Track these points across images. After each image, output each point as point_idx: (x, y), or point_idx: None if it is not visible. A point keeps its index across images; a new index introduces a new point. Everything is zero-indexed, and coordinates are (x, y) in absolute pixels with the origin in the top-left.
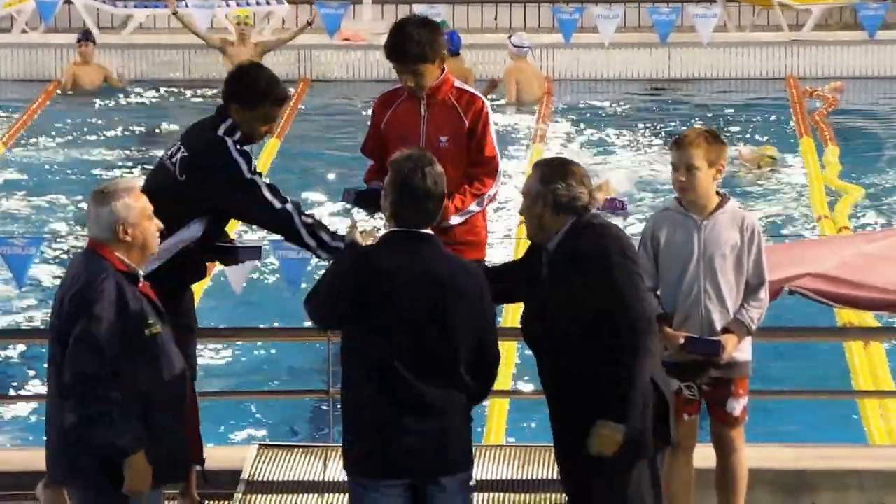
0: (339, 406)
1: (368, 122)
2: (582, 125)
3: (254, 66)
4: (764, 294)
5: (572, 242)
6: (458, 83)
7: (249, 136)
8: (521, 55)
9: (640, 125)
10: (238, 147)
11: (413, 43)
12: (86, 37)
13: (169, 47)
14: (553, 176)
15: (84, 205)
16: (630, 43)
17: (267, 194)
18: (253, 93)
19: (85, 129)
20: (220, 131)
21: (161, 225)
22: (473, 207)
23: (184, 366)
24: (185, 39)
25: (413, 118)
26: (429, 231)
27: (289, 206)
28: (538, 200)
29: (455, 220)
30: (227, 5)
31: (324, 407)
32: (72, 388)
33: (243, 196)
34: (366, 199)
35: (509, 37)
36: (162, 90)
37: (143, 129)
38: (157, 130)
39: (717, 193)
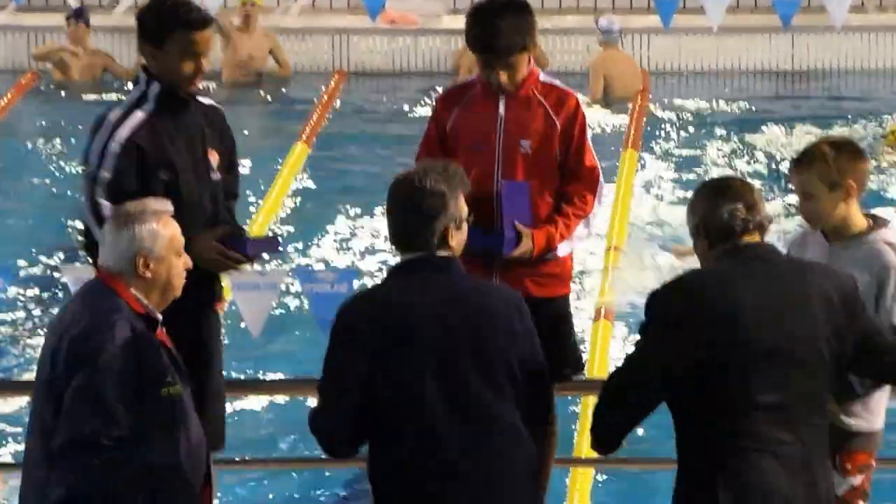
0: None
1: (425, 125)
2: (686, 128)
3: None
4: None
5: None
6: (544, 76)
7: (173, 86)
8: (612, 42)
9: (759, 128)
10: (119, 138)
11: (507, 31)
12: (77, 14)
13: None
14: (699, 201)
15: (70, 229)
16: (745, 27)
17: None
18: (155, 22)
19: (73, 133)
20: (114, 112)
21: (191, 263)
22: (581, 232)
23: (203, 435)
24: None
25: (488, 119)
26: (444, 254)
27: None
28: (697, 237)
29: (564, 249)
30: None
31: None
32: (64, 453)
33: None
34: None
35: (596, 20)
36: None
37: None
38: None
39: (869, 217)
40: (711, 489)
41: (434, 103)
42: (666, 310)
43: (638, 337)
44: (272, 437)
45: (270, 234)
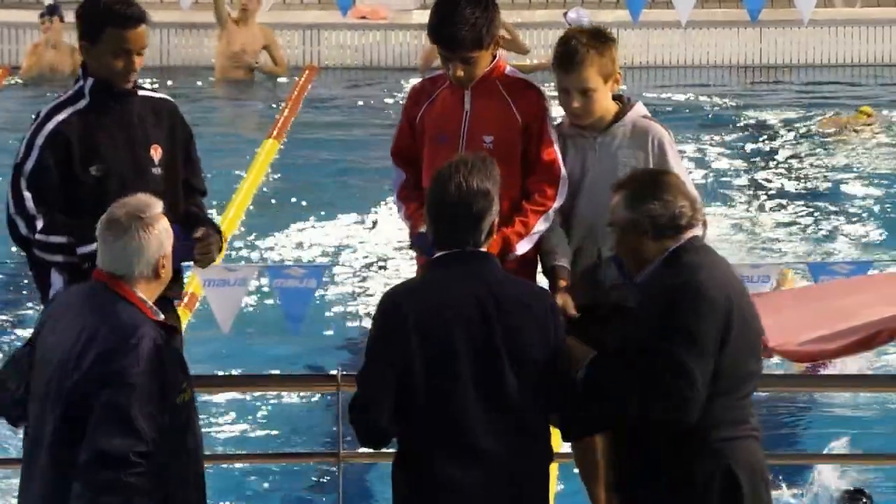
0: (349, 472)
1: (398, 119)
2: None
3: None
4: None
5: (666, 272)
6: (510, 69)
7: (108, 81)
8: None
9: (728, 122)
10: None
11: (468, 26)
12: (51, 11)
13: (158, 25)
14: (641, 194)
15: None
16: (713, 22)
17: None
18: (90, 18)
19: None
20: (48, 106)
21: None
22: (540, 227)
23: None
24: (164, 16)
25: (454, 113)
26: (480, 249)
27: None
28: (632, 229)
29: (523, 247)
30: None
31: (332, 469)
32: (88, 468)
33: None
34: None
35: (565, 13)
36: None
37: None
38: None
39: (616, 99)
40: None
41: (407, 95)
42: (709, 298)
43: None
44: (245, 433)
45: (196, 236)
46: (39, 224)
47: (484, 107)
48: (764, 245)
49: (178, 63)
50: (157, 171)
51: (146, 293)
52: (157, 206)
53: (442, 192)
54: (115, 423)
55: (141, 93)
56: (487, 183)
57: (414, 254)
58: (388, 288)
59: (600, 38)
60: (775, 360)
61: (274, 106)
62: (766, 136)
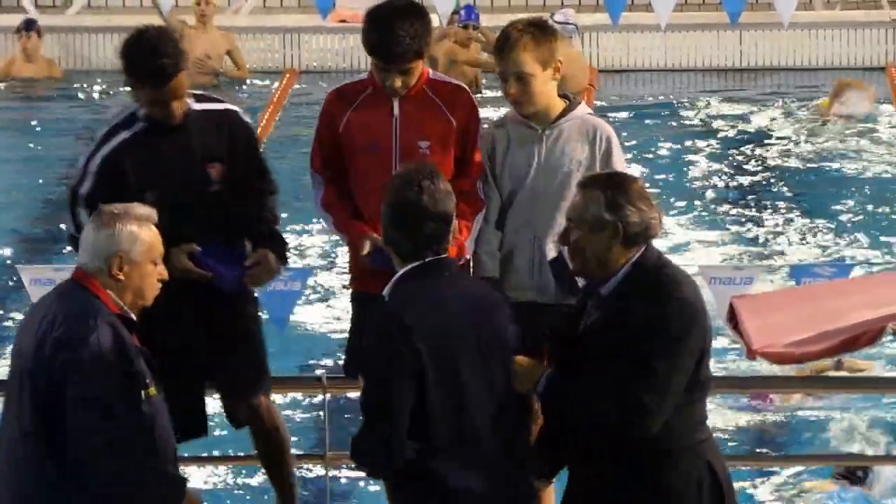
0: (337, 474)
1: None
2: (632, 126)
3: (137, 36)
4: None
5: (641, 283)
6: (433, 73)
7: (155, 119)
8: (567, 35)
9: (706, 126)
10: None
11: (406, 38)
12: (28, 26)
13: (124, 31)
14: (619, 198)
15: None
16: (692, 24)
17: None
18: (125, 68)
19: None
20: (103, 129)
21: (167, 275)
22: (476, 226)
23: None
24: (144, 20)
25: (382, 120)
26: (446, 256)
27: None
28: (603, 232)
29: (470, 250)
30: None
31: (319, 472)
32: (84, 464)
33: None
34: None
35: (552, 14)
36: (115, 84)
37: (90, 132)
38: None
39: (563, 97)
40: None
41: (323, 103)
42: (696, 313)
43: None
44: (228, 434)
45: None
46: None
47: (414, 112)
48: (745, 247)
49: None
50: (215, 188)
51: (117, 294)
52: (135, 209)
53: (413, 200)
54: (94, 414)
55: (198, 106)
56: (448, 185)
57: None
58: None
59: (539, 27)
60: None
61: (247, 110)
62: (746, 140)
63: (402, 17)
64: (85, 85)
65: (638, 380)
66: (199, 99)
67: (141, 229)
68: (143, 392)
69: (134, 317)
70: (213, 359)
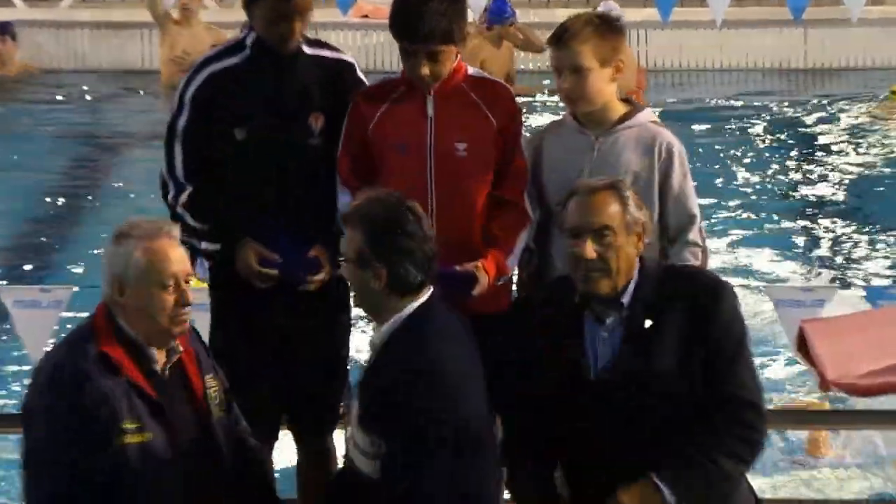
0: None
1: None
2: (684, 132)
3: None
4: (695, 236)
5: (675, 281)
6: (472, 70)
7: (270, 45)
8: None
9: (767, 132)
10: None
11: (435, 15)
12: (2, 30)
13: (122, 26)
14: (632, 197)
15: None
16: (751, 21)
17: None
18: None
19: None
20: (201, 57)
21: (188, 299)
22: (524, 242)
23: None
24: (145, 15)
25: (415, 119)
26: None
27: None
28: (632, 234)
29: (513, 264)
30: None
31: None
32: None
33: None
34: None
35: (595, 8)
36: (112, 85)
37: (86, 138)
38: (107, 141)
39: (626, 101)
40: None
41: (350, 104)
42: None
43: None
44: None
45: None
46: (184, 196)
47: (451, 111)
48: (815, 265)
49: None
50: (314, 141)
51: (127, 322)
52: (144, 226)
53: (413, 226)
54: (30, 466)
55: (312, 51)
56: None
57: None
58: (401, 354)
59: (603, 20)
60: None
61: None
62: (812, 147)
63: None
64: (81, 86)
65: (740, 408)
66: (311, 43)
67: (139, 250)
68: (119, 438)
69: (151, 352)
70: (292, 382)
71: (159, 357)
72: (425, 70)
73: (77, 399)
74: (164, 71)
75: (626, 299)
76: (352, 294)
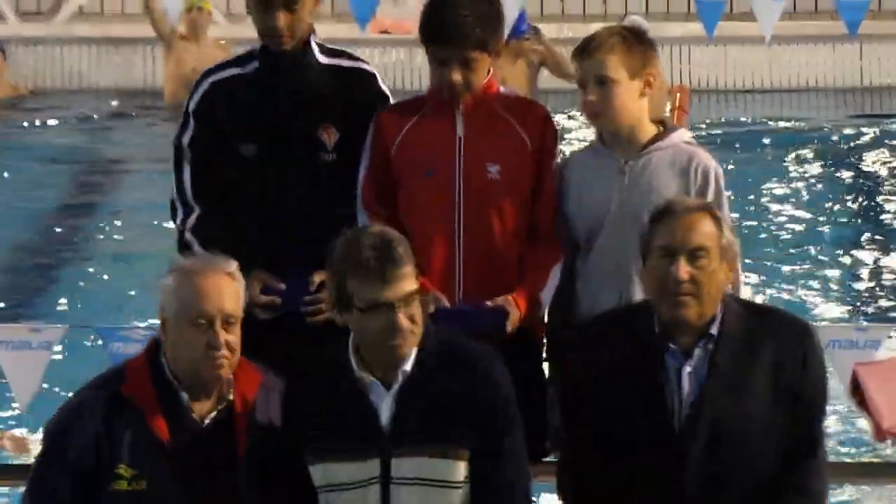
0: None
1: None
2: (730, 156)
3: None
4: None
5: (754, 322)
6: (504, 89)
7: (277, 52)
8: None
9: (819, 156)
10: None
11: (468, 18)
12: None
13: (123, 42)
14: (725, 223)
15: None
16: (803, 36)
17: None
18: None
19: None
20: (208, 68)
21: (218, 343)
22: (556, 277)
23: None
24: (148, 30)
25: (444, 139)
26: None
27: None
28: (722, 258)
29: (546, 299)
30: None
31: None
32: None
33: None
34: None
35: (622, 19)
36: (112, 103)
37: (80, 164)
38: (107, 163)
39: (657, 122)
40: None
41: (374, 123)
42: None
43: None
44: None
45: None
46: (192, 220)
47: (482, 130)
48: (870, 302)
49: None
50: (328, 157)
51: (173, 363)
52: (190, 261)
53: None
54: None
55: (328, 60)
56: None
57: None
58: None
59: (632, 31)
60: None
61: None
62: (868, 172)
63: None
64: (78, 107)
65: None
66: (328, 52)
67: (179, 282)
68: (113, 483)
69: (183, 395)
70: None
71: (202, 405)
72: (457, 76)
73: (60, 443)
74: (168, 89)
75: (714, 331)
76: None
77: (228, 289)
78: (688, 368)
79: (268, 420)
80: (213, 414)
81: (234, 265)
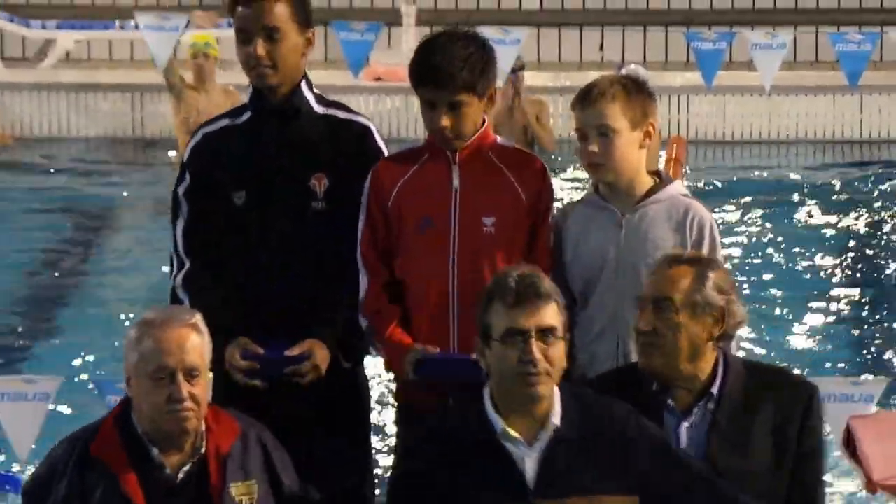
0: None
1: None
2: (728, 207)
3: None
4: None
5: (755, 380)
6: (501, 140)
7: (268, 99)
8: None
9: (818, 209)
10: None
11: (458, 61)
12: None
13: (112, 88)
14: (723, 283)
15: None
16: (803, 87)
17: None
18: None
19: None
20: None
21: (180, 396)
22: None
23: None
24: (136, 77)
25: (439, 190)
26: None
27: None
28: (694, 313)
29: None
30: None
31: None
32: None
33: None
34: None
35: (618, 66)
36: (100, 153)
37: (68, 215)
38: (93, 216)
39: (653, 174)
40: None
41: (370, 177)
42: None
43: None
44: None
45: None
46: (182, 274)
47: (478, 182)
48: (864, 355)
49: (155, 133)
50: (318, 205)
51: (139, 419)
52: (155, 313)
53: None
54: None
55: (323, 110)
56: None
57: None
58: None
59: (633, 81)
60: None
61: None
62: (867, 226)
63: (459, 41)
64: (64, 155)
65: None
66: (324, 102)
67: (141, 336)
68: None
69: (153, 450)
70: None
71: (173, 458)
72: (445, 122)
73: (37, 502)
74: (180, 139)
75: (714, 390)
76: None
77: (189, 341)
78: (686, 424)
79: None
80: (187, 467)
81: (197, 316)
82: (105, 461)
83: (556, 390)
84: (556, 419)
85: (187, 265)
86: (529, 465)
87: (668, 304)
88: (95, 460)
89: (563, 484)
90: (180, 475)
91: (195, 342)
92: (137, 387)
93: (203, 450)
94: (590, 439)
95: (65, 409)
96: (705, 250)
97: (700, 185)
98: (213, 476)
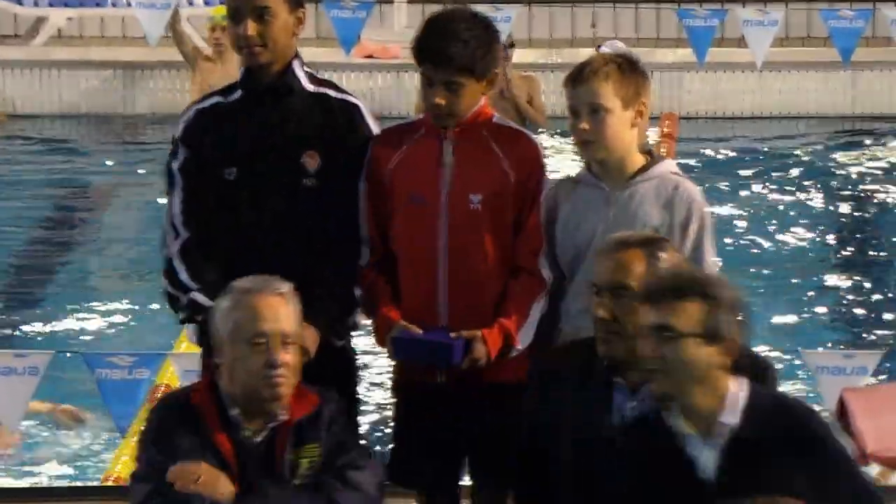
0: None
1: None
2: (720, 184)
3: None
4: None
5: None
6: (497, 117)
7: (252, 80)
8: None
9: (810, 185)
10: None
11: (459, 42)
12: None
13: (102, 66)
14: (676, 258)
15: None
16: (795, 63)
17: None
18: None
19: None
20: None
21: (275, 359)
22: (539, 311)
23: None
24: (128, 54)
25: (431, 167)
26: None
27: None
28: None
29: (525, 338)
30: (191, 2)
31: None
32: None
33: None
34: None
35: (598, 46)
36: (91, 130)
37: (61, 192)
38: (83, 192)
39: (645, 152)
40: None
41: (369, 154)
42: None
43: None
44: None
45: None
46: (178, 245)
47: (468, 159)
48: (857, 328)
49: (145, 110)
50: (308, 182)
51: (231, 393)
52: (248, 282)
53: None
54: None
55: (314, 89)
56: None
57: None
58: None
59: (627, 59)
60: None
61: None
62: (858, 200)
63: (462, 22)
64: (53, 131)
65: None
66: (316, 81)
67: (234, 303)
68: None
69: (238, 417)
70: None
71: (254, 423)
72: (440, 100)
73: (154, 451)
74: None
75: (728, 420)
76: None
77: (284, 308)
78: (631, 404)
79: None
80: (265, 432)
81: (288, 286)
82: (201, 412)
83: (741, 388)
84: (731, 418)
85: (185, 236)
86: (706, 461)
87: (625, 291)
88: (195, 409)
89: (747, 486)
90: (258, 439)
91: (289, 310)
92: (232, 353)
93: (282, 417)
94: (772, 440)
95: (54, 383)
96: (693, 228)
97: (692, 161)
98: (281, 442)
